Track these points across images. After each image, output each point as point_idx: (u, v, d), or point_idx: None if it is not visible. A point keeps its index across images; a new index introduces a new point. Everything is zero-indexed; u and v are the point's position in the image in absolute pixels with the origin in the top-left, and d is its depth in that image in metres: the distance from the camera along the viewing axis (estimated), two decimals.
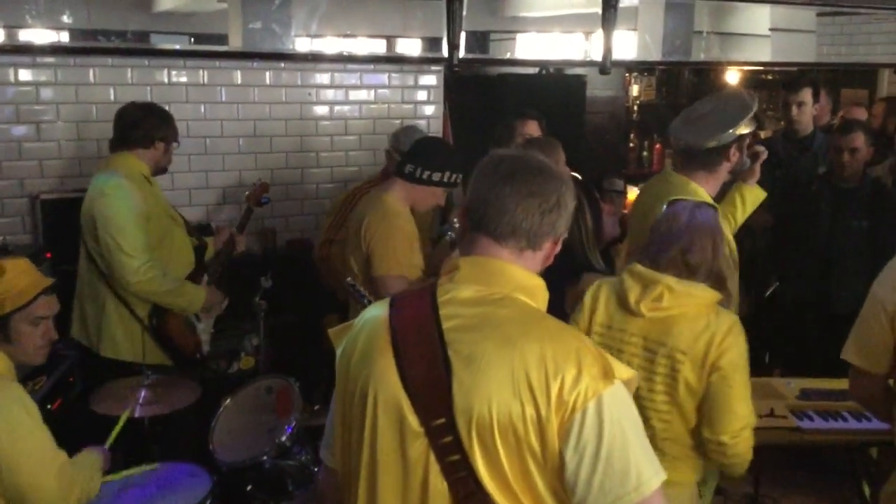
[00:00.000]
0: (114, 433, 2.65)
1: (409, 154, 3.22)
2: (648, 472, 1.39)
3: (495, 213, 1.54)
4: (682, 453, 2.34)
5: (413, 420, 1.46)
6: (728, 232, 2.93)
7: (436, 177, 3.12)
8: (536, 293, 1.57)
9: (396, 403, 1.48)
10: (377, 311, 1.61)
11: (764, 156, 3.18)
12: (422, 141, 3.37)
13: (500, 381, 1.41)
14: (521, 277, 1.55)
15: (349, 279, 2.97)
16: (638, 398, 2.14)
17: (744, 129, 3.00)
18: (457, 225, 3.22)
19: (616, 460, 1.38)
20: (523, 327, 1.47)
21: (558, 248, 1.62)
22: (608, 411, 1.39)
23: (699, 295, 2.28)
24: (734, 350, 2.25)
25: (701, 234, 2.32)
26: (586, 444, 1.38)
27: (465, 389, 1.42)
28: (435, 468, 1.45)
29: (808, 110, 4.51)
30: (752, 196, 3.18)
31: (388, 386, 1.49)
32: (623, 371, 1.45)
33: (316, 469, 2.79)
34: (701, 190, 2.94)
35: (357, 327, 1.63)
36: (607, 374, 1.41)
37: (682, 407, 2.29)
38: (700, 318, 2.26)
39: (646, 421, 2.21)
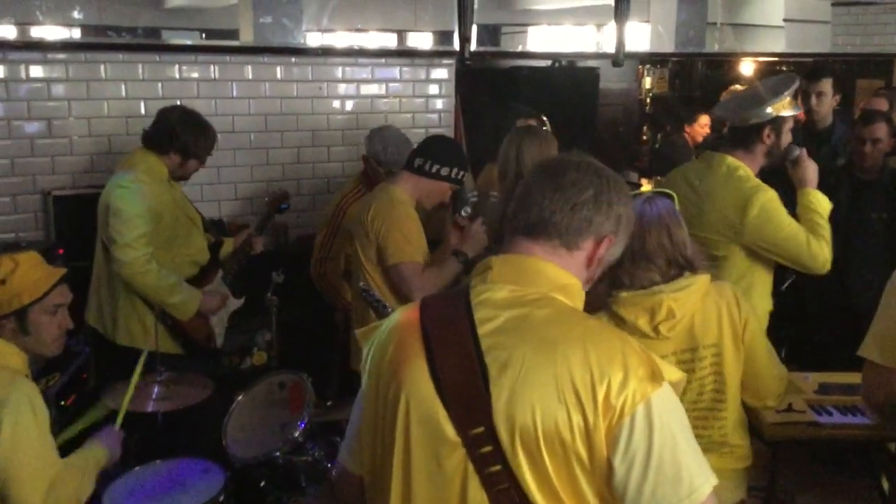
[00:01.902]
0: (122, 410, 2.62)
1: (419, 149, 3.22)
2: (700, 478, 1.34)
3: (525, 209, 1.50)
4: (741, 439, 2.37)
5: (449, 429, 1.39)
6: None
7: (444, 171, 3.12)
8: (573, 292, 1.50)
9: (431, 412, 1.41)
10: (407, 314, 1.54)
11: (796, 153, 3.14)
12: (431, 138, 3.39)
13: (543, 386, 1.34)
14: (556, 276, 1.48)
15: (361, 283, 2.93)
16: (691, 406, 2.17)
17: (781, 111, 3.00)
18: (473, 198, 3.21)
19: (668, 466, 1.32)
20: (564, 329, 1.40)
21: (605, 249, 1.52)
22: (658, 415, 1.33)
23: (699, 287, 2.23)
24: (750, 317, 2.29)
25: (651, 224, 2.24)
26: (636, 451, 1.32)
27: (506, 396, 1.35)
28: (474, 479, 1.38)
29: (827, 101, 4.45)
30: (817, 198, 3.13)
31: (421, 394, 1.42)
32: (671, 372, 1.38)
33: (329, 465, 2.78)
34: (738, 163, 3.00)
35: (386, 329, 1.56)
36: (655, 376, 1.35)
37: (733, 396, 2.30)
38: (709, 306, 2.25)
39: (705, 427, 2.26)
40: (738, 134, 3.08)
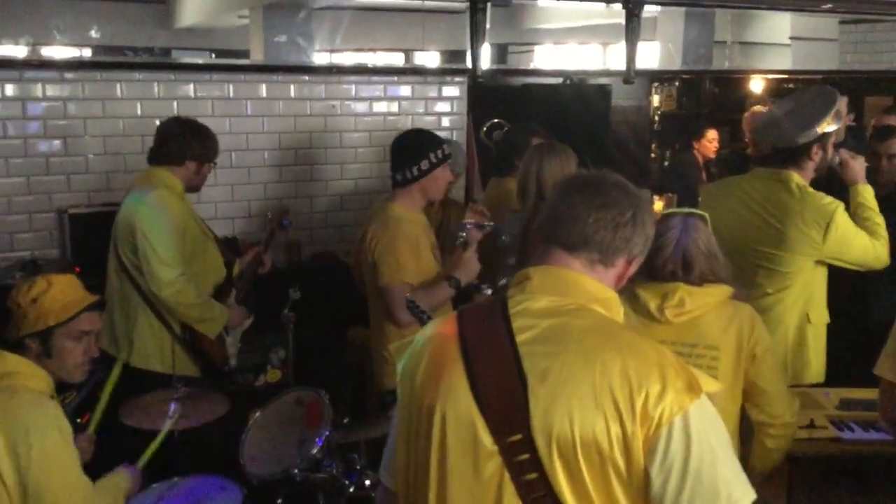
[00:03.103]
0: (148, 452, 2.63)
1: (392, 164, 3.27)
2: (739, 491, 1.33)
3: (567, 223, 1.51)
4: None
5: (486, 437, 1.40)
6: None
7: (424, 165, 3.16)
8: (612, 305, 1.52)
9: (468, 420, 1.42)
10: (443, 325, 1.56)
11: (837, 160, 3.24)
12: (392, 148, 3.34)
13: (581, 395, 1.35)
14: (594, 289, 1.51)
15: (408, 295, 2.95)
16: None
17: (826, 127, 3.08)
18: (469, 226, 3.24)
19: (705, 478, 1.32)
20: (602, 339, 1.41)
21: (632, 270, 1.57)
22: (695, 426, 1.33)
23: (716, 292, 2.36)
24: (763, 335, 2.37)
25: (684, 246, 2.38)
26: (673, 461, 1.32)
27: (544, 404, 1.36)
28: (510, 488, 1.39)
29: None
30: (868, 194, 3.24)
31: (458, 402, 1.43)
32: (709, 383, 1.40)
33: (347, 482, 2.77)
34: (803, 181, 3.11)
35: (420, 342, 1.58)
36: (693, 388, 1.36)
37: (720, 408, 2.30)
38: (723, 313, 2.35)
39: None
40: (787, 154, 3.14)
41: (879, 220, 3.20)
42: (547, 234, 1.54)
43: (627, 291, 2.37)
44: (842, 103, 4.43)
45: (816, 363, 3.30)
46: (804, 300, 3.18)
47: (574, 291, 1.49)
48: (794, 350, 3.25)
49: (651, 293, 2.36)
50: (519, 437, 1.37)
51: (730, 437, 2.34)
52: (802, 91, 3.33)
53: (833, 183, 3.44)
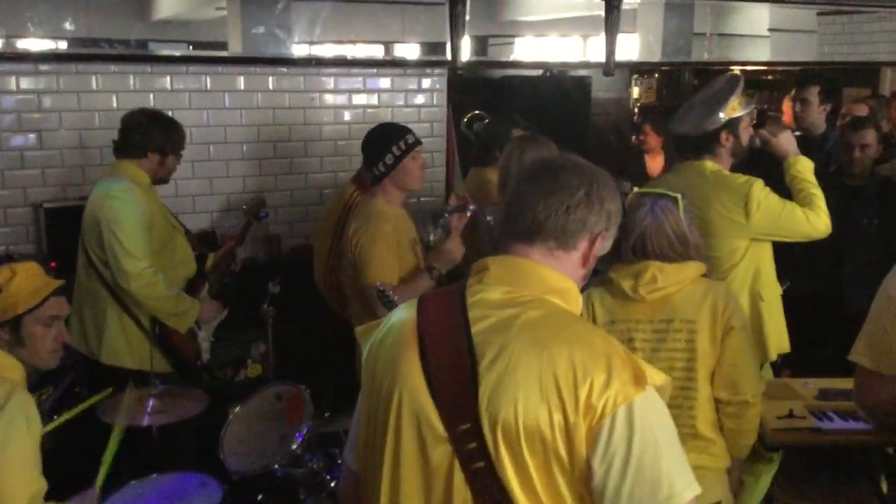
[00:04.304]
0: (104, 468, 2.55)
1: (363, 163, 3.31)
2: (681, 483, 1.33)
3: (518, 213, 1.52)
4: (712, 434, 2.41)
5: (438, 424, 1.42)
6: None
7: (389, 159, 3.17)
8: (568, 295, 1.52)
9: (421, 407, 1.44)
10: (405, 312, 1.57)
11: (758, 142, 3.29)
12: (361, 146, 3.38)
13: (527, 385, 1.36)
14: (551, 279, 1.50)
15: (378, 283, 2.94)
16: None
17: (732, 113, 3.12)
18: (448, 213, 3.25)
19: (647, 469, 1.32)
20: (553, 329, 1.42)
21: (599, 247, 1.55)
22: (639, 418, 1.33)
23: (688, 268, 2.42)
24: (738, 311, 2.43)
25: (652, 230, 2.44)
26: (615, 452, 1.32)
27: (491, 393, 1.37)
28: (459, 475, 1.40)
29: (812, 109, 4.49)
30: (801, 166, 3.25)
31: (412, 389, 1.45)
32: (656, 376, 1.39)
33: (328, 476, 2.76)
34: (717, 166, 3.16)
35: (385, 327, 1.59)
36: (639, 380, 1.35)
37: (703, 379, 2.38)
38: (697, 288, 2.41)
39: (675, 416, 2.28)
40: (699, 142, 3.21)
41: (815, 191, 3.20)
42: (505, 227, 1.55)
43: (601, 277, 2.45)
44: (809, 93, 4.50)
45: (776, 336, 3.33)
46: (752, 279, 3.21)
47: (530, 282, 1.49)
48: (752, 328, 3.29)
49: (623, 274, 2.42)
50: (468, 425, 1.38)
51: (710, 418, 2.38)
52: (714, 80, 3.36)
53: (754, 164, 3.47)
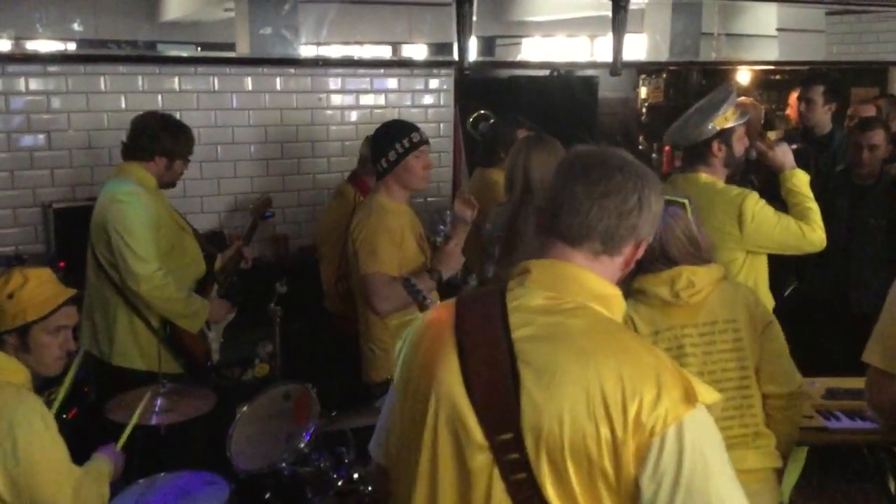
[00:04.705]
0: (126, 431, 2.62)
1: (371, 158, 3.30)
2: None
3: (568, 215, 1.45)
4: (769, 432, 2.38)
5: (477, 432, 1.37)
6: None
7: (392, 156, 3.17)
8: (612, 303, 1.47)
9: (459, 413, 1.39)
10: (441, 311, 1.52)
11: (754, 154, 3.28)
12: (371, 140, 3.40)
13: (573, 397, 1.31)
14: (595, 285, 1.45)
15: (406, 274, 2.93)
16: (717, 384, 2.18)
17: (724, 123, 3.11)
18: (449, 217, 3.24)
19: (696, 492, 1.28)
20: (599, 340, 1.37)
21: (640, 252, 1.51)
22: (690, 437, 1.28)
23: (714, 270, 2.39)
24: (767, 307, 2.44)
25: (668, 236, 2.41)
26: (665, 472, 1.28)
27: (535, 404, 1.33)
28: (500, 485, 1.36)
29: (817, 108, 4.49)
30: (797, 179, 3.24)
31: (451, 394, 1.40)
32: (706, 394, 1.34)
33: (335, 475, 2.76)
34: (711, 178, 3.15)
35: (420, 326, 1.55)
36: (689, 398, 1.31)
37: (755, 377, 2.35)
38: (725, 288, 2.39)
39: (741, 416, 2.31)
40: (692, 153, 3.22)
41: (811, 205, 3.20)
42: (547, 225, 1.48)
43: (627, 290, 2.34)
44: (814, 92, 4.49)
45: None
46: None
47: (573, 288, 1.44)
48: None
49: (654, 282, 2.34)
50: (510, 435, 1.34)
51: (759, 416, 2.36)
52: (710, 92, 3.37)
53: (748, 175, 3.47)
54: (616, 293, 1.49)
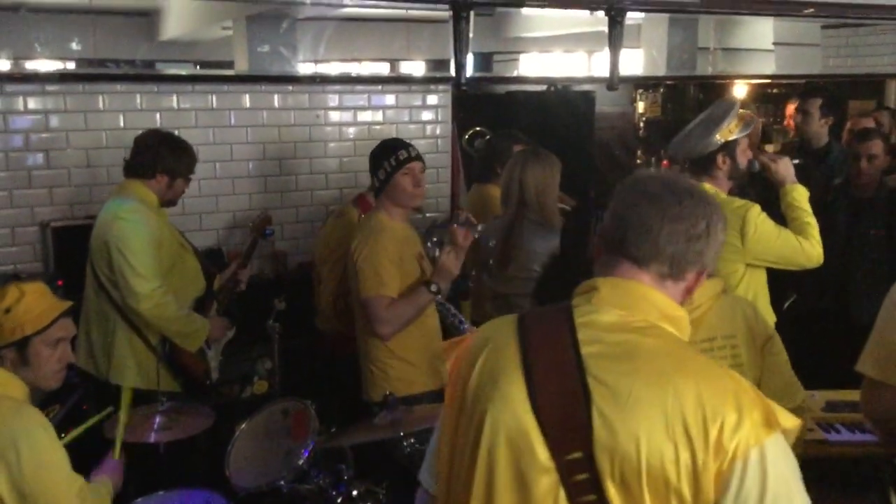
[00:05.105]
0: (119, 436, 2.63)
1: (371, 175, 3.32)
2: None
3: (637, 235, 1.43)
4: None
5: (542, 452, 1.33)
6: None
7: (381, 174, 3.18)
8: (681, 324, 1.45)
9: (523, 432, 1.35)
10: (504, 329, 1.48)
11: (757, 166, 3.30)
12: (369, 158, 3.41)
13: (651, 419, 1.28)
14: (664, 305, 1.43)
15: (440, 297, 2.92)
16: None
17: (728, 136, 3.14)
18: (440, 229, 3.29)
19: None
20: (675, 361, 1.35)
21: (701, 282, 1.48)
22: (772, 462, 1.26)
23: (712, 284, 2.32)
24: (767, 321, 2.41)
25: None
26: (748, 497, 1.25)
27: (609, 424, 1.30)
28: None
29: (813, 121, 4.52)
30: (797, 194, 3.27)
31: (514, 412, 1.36)
32: (786, 420, 1.32)
33: (334, 493, 2.75)
34: (714, 189, 3.10)
35: (478, 344, 1.50)
36: (770, 421, 1.29)
37: None
38: (724, 303, 2.34)
39: None
40: (697, 164, 3.23)
41: (809, 220, 3.23)
42: (614, 243, 1.46)
43: None
44: (810, 105, 4.51)
45: None
46: None
47: (643, 307, 1.42)
48: None
49: None
50: (579, 454, 1.30)
51: None
52: (712, 105, 3.38)
53: (745, 189, 3.48)
54: (684, 315, 1.47)
